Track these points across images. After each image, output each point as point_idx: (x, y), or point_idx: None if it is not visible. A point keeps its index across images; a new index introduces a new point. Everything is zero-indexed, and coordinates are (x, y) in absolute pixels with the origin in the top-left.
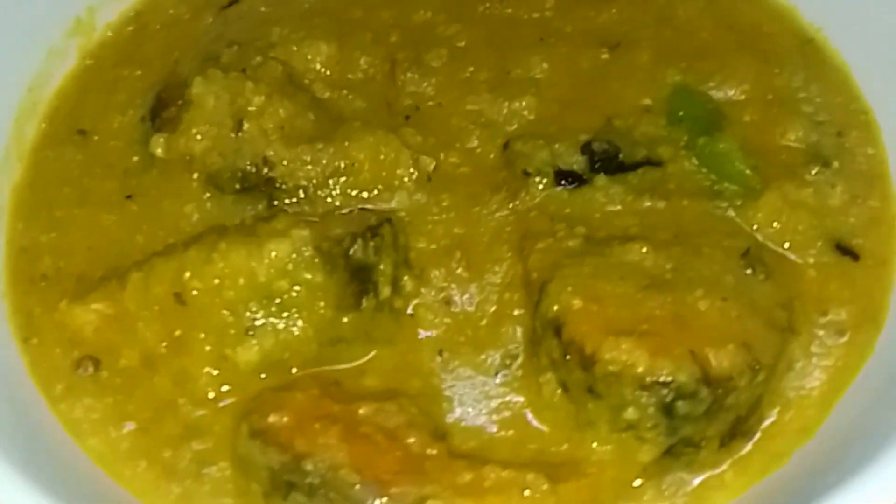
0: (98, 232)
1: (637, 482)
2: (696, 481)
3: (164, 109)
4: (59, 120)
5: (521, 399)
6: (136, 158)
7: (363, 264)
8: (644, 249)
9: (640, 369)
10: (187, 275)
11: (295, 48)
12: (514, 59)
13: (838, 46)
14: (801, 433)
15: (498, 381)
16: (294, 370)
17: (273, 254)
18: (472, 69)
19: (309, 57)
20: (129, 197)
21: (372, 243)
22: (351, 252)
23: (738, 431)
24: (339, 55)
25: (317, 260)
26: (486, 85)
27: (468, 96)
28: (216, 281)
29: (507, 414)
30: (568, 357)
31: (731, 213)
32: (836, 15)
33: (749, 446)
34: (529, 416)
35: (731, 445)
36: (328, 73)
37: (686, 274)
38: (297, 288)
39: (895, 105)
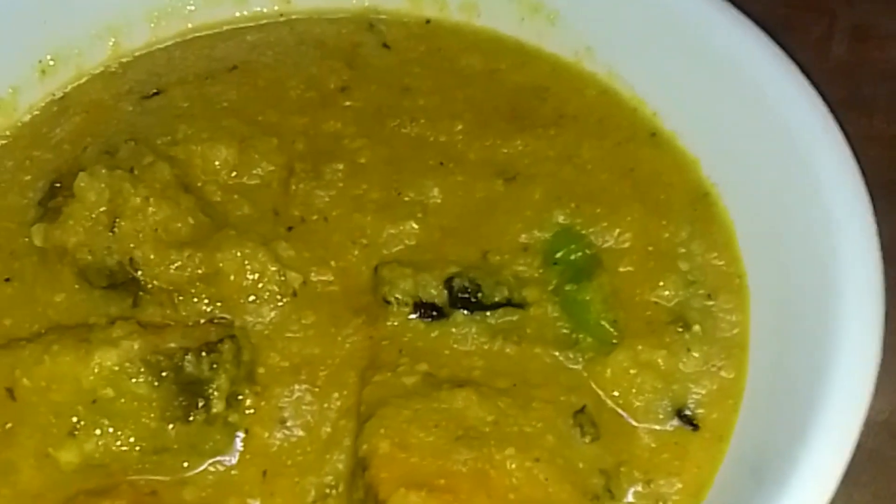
0: None
1: None
2: None
3: (52, 198)
4: None
5: None
6: (24, 241)
7: (195, 378)
8: (470, 398)
9: None
10: (18, 372)
11: (195, 148)
12: (409, 181)
13: (728, 204)
14: None
15: None
16: (113, 475)
17: (99, 362)
18: (365, 187)
19: (207, 158)
20: (7, 279)
21: (208, 359)
22: (182, 366)
23: None
24: (237, 160)
25: (142, 372)
26: (375, 205)
27: (354, 214)
28: (43, 382)
29: None
30: (367, 499)
31: (579, 366)
32: (733, 172)
33: None
34: None
35: None
36: (224, 176)
37: (504, 429)
38: (122, 397)
39: (769, 275)
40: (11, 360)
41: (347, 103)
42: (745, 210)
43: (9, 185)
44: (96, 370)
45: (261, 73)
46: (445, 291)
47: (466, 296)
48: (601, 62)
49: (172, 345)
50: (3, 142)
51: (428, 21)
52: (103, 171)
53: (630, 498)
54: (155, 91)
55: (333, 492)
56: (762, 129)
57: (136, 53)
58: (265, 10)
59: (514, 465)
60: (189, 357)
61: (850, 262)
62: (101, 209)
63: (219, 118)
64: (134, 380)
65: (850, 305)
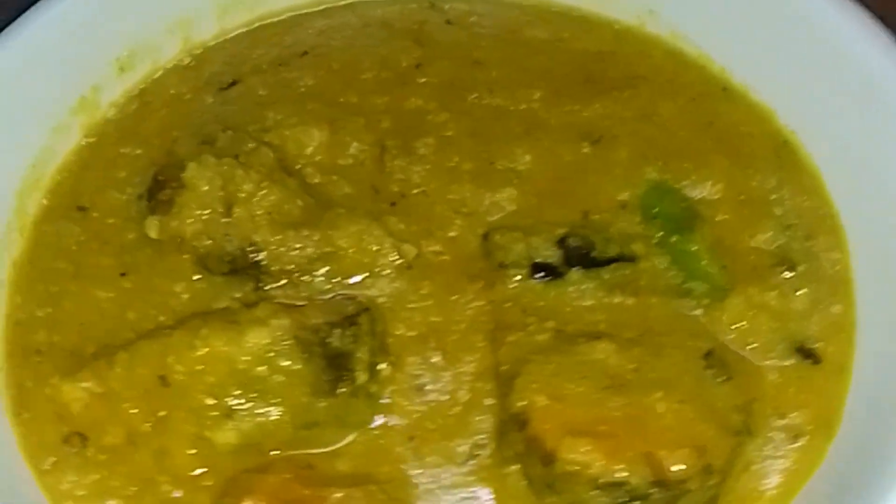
0: (91, 308)
1: None
2: None
3: (160, 191)
4: (60, 195)
5: (488, 489)
6: (131, 236)
7: (340, 352)
8: (608, 349)
9: (595, 470)
10: (171, 359)
11: (287, 133)
12: (498, 150)
13: (811, 151)
14: None
15: (466, 469)
16: (270, 452)
17: (253, 342)
18: (457, 158)
19: (301, 142)
20: (123, 274)
21: (349, 332)
22: (328, 341)
23: None
24: (329, 141)
25: (295, 348)
26: (470, 175)
27: (452, 185)
28: (198, 366)
29: (470, 498)
30: (530, 452)
31: (698, 313)
32: (811, 119)
33: None
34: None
35: None
36: (319, 158)
37: (647, 375)
38: (275, 374)
39: (862, 211)
40: (160, 347)
41: (423, 80)
42: (828, 154)
43: (104, 183)
44: (250, 349)
45: (333, 56)
46: (559, 251)
47: (582, 253)
48: (664, 24)
49: (316, 320)
50: (92, 140)
51: None
52: (211, 159)
53: (768, 433)
54: (232, 81)
55: (482, 451)
56: (834, 73)
57: (208, 45)
58: None
59: (663, 408)
60: (335, 331)
61: None
62: (216, 197)
63: (302, 102)
64: (286, 356)
65: None
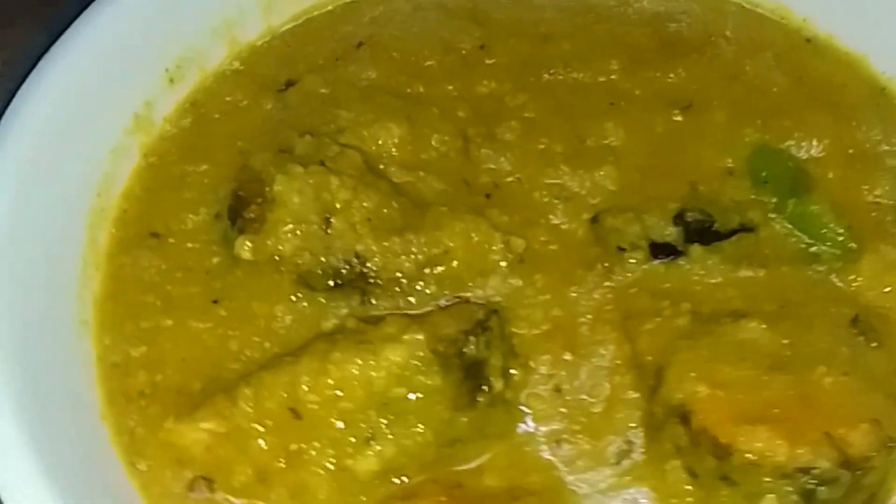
0: (189, 341)
1: None
2: None
3: (244, 209)
4: (129, 223)
5: (647, 487)
6: (216, 259)
7: (475, 360)
8: (757, 327)
9: (780, 458)
10: (303, 388)
11: (366, 132)
12: (587, 127)
13: None
14: None
15: (621, 470)
16: (413, 476)
17: (389, 361)
18: (545, 140)
19: (381, 140)
20: (215, 301)
21: (483, 338)
22: (464, 350)
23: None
24: (410, 135)
25: (432, 363)
26: (563, 156)
27: (546, 169)
28: (332, 393)
29: (630, 500)
30: (697, 446)
31: (833, 277)
32: None
33: None
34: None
35: None
36: (401, 154)
37: (802, 350)
38: (414, 392)
39: None
40: (288, 377)
41: (491, 61)
42: None
43: (175, 205)
44: (387, 369)
45: (390, 45)
46: (677, 228)
47: (703, 228)
48: None
49: (449, 330)
50: (153, 160)
51: None
52: (299, 168)
53: None
54: (288, 81)
55: (634, 448)
56: None
57: (255, 45)
58: None
59: (829, 383)
60: (471, 339)
61: None
62: (311, 208)
63: (371, 97)
64: (424, 372)
65: None
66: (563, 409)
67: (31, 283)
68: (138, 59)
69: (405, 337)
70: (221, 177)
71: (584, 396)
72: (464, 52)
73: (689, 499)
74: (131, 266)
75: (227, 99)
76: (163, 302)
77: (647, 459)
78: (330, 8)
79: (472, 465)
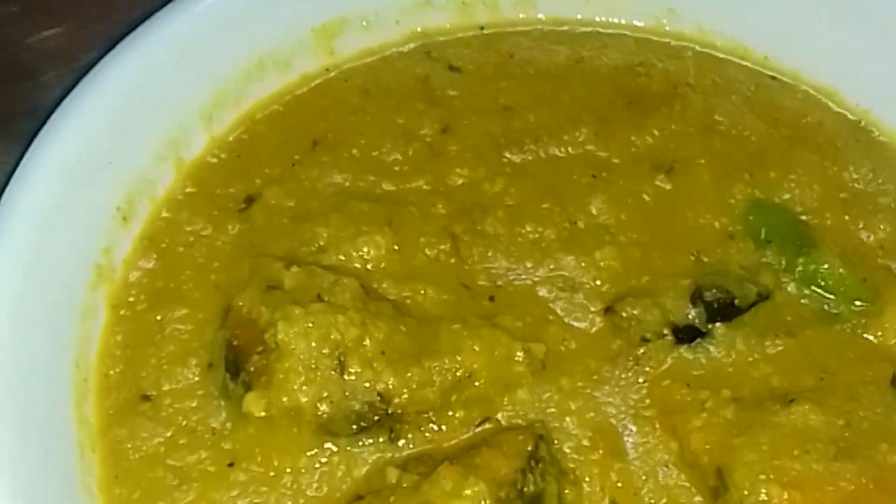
0: None
1: None
2: None
3: (245, 361)
4: (115, 389)
5: None
6: (221, 416)
7: (536, 494)
8: (806, 411)
9: None
10: None
11: (351, 249)
12: (575, 207)
13: (891, 123)
14: None
15: None
16: None
17: None
18: (537, 227)
19: (368, 255)
20: (231, 464)
21: (538, 470)
22: (525, 490)
23: None
24: (396, 243)
25: None
26: (559, 243)
27: (545, 260)
28: None
29: None
30: None
31: (860, 333)
32: (880, 90)
33: None
34: None
35: None
36: (391, 266)
37: (860, 427)
38: None
39: None
40: None
41: (457, 145)
42: None
43: (161, 361)
44: None
45: (348, 140)
46: (697, 309)
47: (725, 304)
48: (687, 20)
49: (505, 471)
50: (124, 313)
51: (482, 28)
52: (297, 311)
53: None
54: (248, 198)
55: None
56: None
57: (204, 161)
58: (311, 70)
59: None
60: (528, 477)
61: None
62: (321, 354)
63: (344, 206)
64: None
65: None
66: None
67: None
68: (88, 202)
69: (467, 492)
70: (204, 320)
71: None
72: (427, 138)
73: None
74: (129, 439)
75: (188, 228)
76: (174, 475)
77: None
78: (274, 107)
79: None
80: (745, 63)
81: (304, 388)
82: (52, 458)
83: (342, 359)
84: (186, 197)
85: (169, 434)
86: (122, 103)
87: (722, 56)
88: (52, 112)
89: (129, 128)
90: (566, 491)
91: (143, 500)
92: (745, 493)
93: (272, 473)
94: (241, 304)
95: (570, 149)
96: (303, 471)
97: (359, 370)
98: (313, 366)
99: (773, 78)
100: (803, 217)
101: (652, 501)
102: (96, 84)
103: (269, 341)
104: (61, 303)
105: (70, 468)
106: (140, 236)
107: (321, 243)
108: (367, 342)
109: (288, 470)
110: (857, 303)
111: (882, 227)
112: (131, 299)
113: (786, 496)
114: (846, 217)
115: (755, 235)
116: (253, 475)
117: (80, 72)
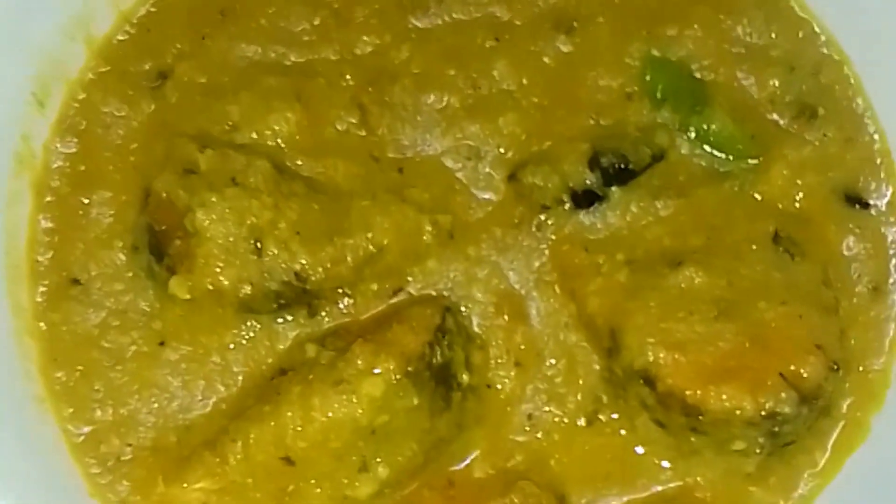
0: (148, 392)
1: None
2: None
3: (167, 245)
4: (46, 275)
5: (621, 439)
6: (150, 296)
7: (443, 365)
8: (693, 272)
9: (747, 413)
10: (289, 439)
11: (264, 128)
12: (479, 71)
13: None
14: (872, 401)
15: (594, 430)
16: (407, 485)
17: (370, 396)
18: (442, 95)
19: (279, 132)
20: (161, 343)
21: (445, 342)
22: (433, 362)
23: (822, 414)
24: (305, 118)
25: (409, 386)
26: (464, 110)
27: (451, 128)
28: (321, 436)
29: (610, 456)
30: (667, 406)
31: (748, 191)
32: None
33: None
34: (632, 453)
35: (817, 426)
36: (303, 140)
37: (740, 286)
38: (396, 416)
39: (857, 40)
40: (272, 429)
41: (363, 14)
42: None
43: (88, 245)
44: (367, 404)
45: (255, 11)
46: (594, 173)
47: (620, 168)
48: None
49: (413, 346)
50: (50, 199)
51: None
52: (214, 198)
53: (858, 288)
54: (160, 74)
55: (603, 408)
56: None
57: (114, 39)
58: None
59: (772, 316)
60: (436, 349)
61: None
62: (239, 237)
63: (254, 81)
64: (403, 397)
65: None
66: (527, 384)
67: None
68: (0, 91)
69: (377, 370)
70: (126, 203)
71: (546, 365)
72: (335, 4)
73: (660, 445)
74: (63, 322)
75: (104, 109)
76: (108, 356)
77: (619, 414)
78: None
79: (459, 459)
80: None
81: (225, 271)
82: None
83: (259, 242)
84: (99, 77)
85: (102, 316)
86: None
87: None
88: None
89: (32, 9)
90: (473, 356)
91: (81, 381)
92: (634, 354)
93: (201, 351)
94: (158, 187)
95: (473, 10)
96: (230, 347)
97: (275, 252)
98: (231, 249)
99: None
100: (697, 74)
101: (553, 361)
102: None
103: (188, 226)
104: None
105: (9, 355)
106: (58, 120)
107: (233, 121)
108: (282, 224)
109: (215, 347)
110: (748, 160)
111: (772, 81)
112: (55, 184)
113: (670, 358)
114: (739, 73)
115: (651, 95)
116: (182, 354)
117: None
